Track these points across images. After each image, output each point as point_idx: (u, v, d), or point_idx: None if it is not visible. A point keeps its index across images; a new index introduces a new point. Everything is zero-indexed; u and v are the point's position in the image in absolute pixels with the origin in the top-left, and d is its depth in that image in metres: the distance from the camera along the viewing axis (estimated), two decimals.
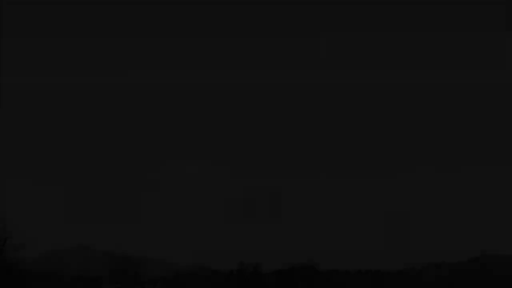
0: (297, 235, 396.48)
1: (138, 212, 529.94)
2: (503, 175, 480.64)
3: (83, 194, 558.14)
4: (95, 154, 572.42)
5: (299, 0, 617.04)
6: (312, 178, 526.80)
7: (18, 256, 59.69)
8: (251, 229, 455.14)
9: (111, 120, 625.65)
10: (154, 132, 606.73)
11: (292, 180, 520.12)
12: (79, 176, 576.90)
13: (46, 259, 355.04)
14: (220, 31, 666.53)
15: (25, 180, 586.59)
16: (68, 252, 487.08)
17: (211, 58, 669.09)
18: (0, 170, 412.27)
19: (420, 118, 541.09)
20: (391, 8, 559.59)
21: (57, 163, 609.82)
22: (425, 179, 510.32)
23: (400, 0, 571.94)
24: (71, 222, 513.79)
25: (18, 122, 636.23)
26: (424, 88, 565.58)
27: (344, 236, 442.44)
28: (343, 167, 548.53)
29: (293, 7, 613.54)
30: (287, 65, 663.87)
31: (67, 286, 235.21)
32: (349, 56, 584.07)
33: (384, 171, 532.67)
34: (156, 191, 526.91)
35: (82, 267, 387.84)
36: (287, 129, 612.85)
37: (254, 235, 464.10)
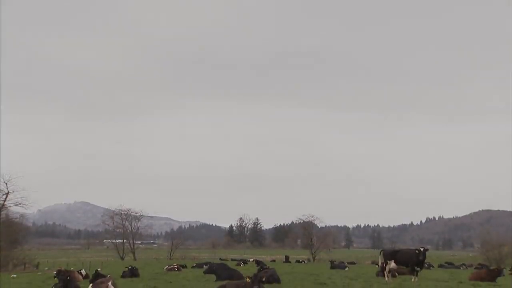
0: None
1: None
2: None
3: None
4: None
5: None
6: None
7: (20, 211, 58.64)
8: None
9: None
10: None
11: None
12: None
13: (48, 214, 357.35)
14: None
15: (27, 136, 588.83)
16: (69, 207, 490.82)
17: None
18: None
19: None
20: None
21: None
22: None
23: None
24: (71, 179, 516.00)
25: None
26: None
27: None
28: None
29: None
30: None
31: (68, 241, 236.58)
32: None
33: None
34: None
35: (83, 222, 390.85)
36: None
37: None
